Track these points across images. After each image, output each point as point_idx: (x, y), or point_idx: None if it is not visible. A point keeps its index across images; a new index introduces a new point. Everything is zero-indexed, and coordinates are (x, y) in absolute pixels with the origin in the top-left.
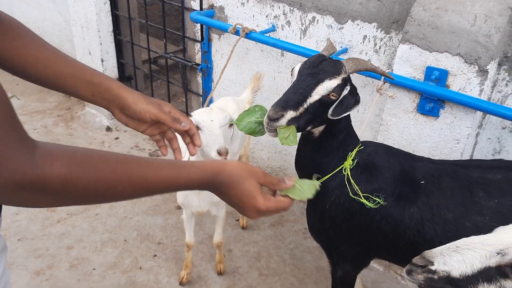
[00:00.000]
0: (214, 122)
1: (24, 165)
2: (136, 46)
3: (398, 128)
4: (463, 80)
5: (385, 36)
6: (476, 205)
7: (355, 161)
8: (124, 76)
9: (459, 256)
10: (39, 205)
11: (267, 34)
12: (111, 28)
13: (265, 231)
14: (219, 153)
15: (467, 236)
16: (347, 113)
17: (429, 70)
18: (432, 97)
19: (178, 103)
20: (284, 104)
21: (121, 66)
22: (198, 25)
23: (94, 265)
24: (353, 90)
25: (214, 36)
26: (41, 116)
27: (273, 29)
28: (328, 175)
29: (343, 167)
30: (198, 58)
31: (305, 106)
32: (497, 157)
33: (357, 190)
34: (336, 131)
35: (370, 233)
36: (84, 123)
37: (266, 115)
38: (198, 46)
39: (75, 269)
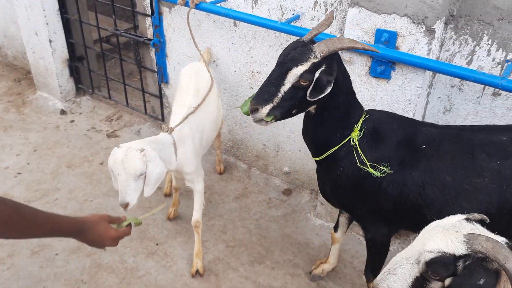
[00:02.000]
0: (119, 176)
1: None
2: (85, 24)
3: None
4: (411, 40)
5: (335, 1)
6: (476, 167)
7: (362, 131)
8: (74, 57)
9: (395, 276)
10: None
11: (218, 4)
12: (57, 6)
13: (230, 204)
14: (122, 207)
15: (466, 199)
16: (323, 95)
17: (379, 33)
18: (383, 59)
19: (135, 81)
20: (259, 97)
21: (70, 46)
22: None
23: (57, 251)
24: (327, 71)
25: (165, 9)
26: None
27: None
28: (336, 147)
29: (351, 137)
30: (150, 33)
31: (280, 95)
32: (448, 115)
33: (364, 159)
34: (333, 107)
35: (378, 199)
36: (37, 107)
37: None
38: (149, 20)
39: (37, 256)
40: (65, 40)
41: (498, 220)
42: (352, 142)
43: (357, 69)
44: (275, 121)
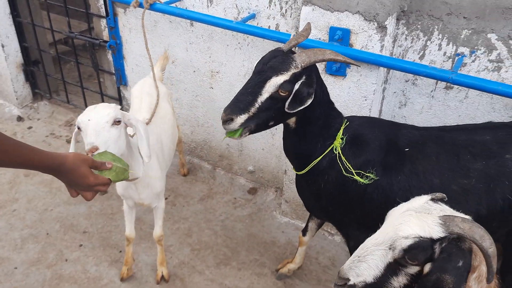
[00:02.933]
0: (90, 121)
1: None
2: (38, 27)
3: None
4: (364, 37)
5: None
6: (462, 168)
7: (344, 139)
8: (29, 61)
9: (365, 263)
10: None
11: (173, 5)
12: (8, 10)
13: (195, 206)
14: (89, 151)
15: (455, 200)
16: (303, 106)
17: (333, 31)
18: None
19: (94, 84)
20: (233, 106)
21: (25, 50)
22: (101, 0)
23: (16, 264)
24: (307, 82)
25: (120, 10)
26: None
27: None
28: (319, 157)
29: (333, 146)
30: (106, 35)
31: (257, 105)
32: (403, 109)
33: (349, 167)
34: (313, 119)
35: (364, 205)
36: None
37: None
38: (104, 22)
39: None
40: (18, 44)
41: (489, 222)
42: (335, 151)
43: None
44: (248, 134)
